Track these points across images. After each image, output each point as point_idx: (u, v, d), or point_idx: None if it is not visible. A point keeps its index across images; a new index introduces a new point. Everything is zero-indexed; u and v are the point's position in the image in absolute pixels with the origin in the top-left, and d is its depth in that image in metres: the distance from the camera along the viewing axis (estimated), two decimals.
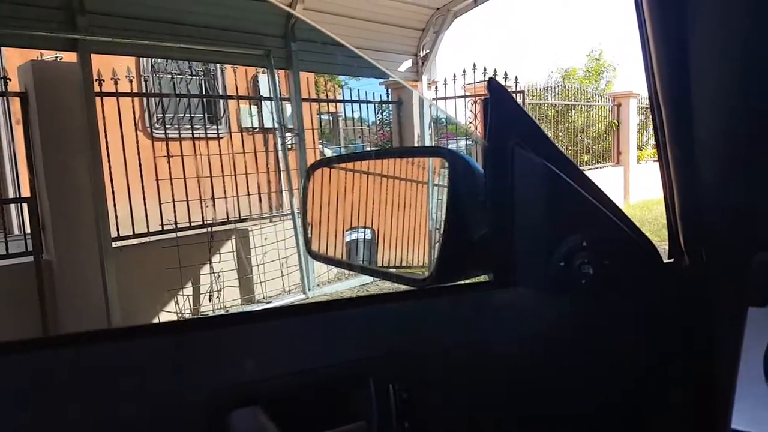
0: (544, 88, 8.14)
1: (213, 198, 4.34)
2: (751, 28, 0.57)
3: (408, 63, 5.81)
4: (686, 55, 0.61)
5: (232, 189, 4.46)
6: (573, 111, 8.38)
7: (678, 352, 0.78)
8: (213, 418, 0.54)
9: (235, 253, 4.34)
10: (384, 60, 5.60)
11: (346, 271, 4.35)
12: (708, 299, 0.76)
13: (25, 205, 3.56)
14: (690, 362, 0.77)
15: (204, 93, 5.19)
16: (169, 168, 4.11)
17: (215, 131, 4.86)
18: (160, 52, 4.32)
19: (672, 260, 0.79)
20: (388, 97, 6.02)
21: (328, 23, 4.96)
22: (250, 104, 5.20)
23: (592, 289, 0.67)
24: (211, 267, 4.18)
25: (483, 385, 0.68)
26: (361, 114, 5.71)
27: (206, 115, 4.88)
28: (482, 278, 0.72)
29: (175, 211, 4.12)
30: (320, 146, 5.66)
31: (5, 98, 3.77)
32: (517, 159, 0.66)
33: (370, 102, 5.65)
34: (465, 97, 6.68)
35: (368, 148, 5.98)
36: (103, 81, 3.79)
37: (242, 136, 4.77)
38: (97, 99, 3.70)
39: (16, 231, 4.11)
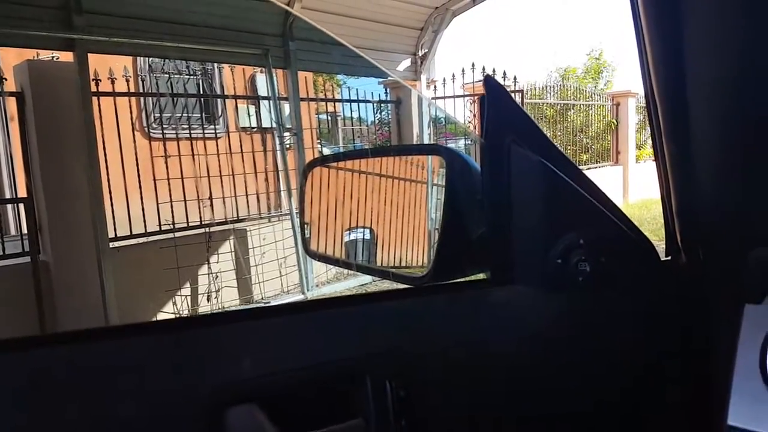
0: (543, 87, 8.15)
1: (211, 198, 4.34)
2: (746, 27, 0.58)
3: (407, 62, 5.81)
4: (682, 53, 0.61)
5: (230, 189, 4.45)
6: (572, 110, 8.39)
7: (675, 350, 0.78)
8: (210, 415, 0.54)
9: (233, 253, 4.34)
10: (383, 59, 5.60)
11: (345, 272, 4.36)
12: (705, 296, 0.76)
13: (21, 206, 3.55)
14: (687, 360, 0.78)
15: (202, 93, 5.18)
16: (167, 168, 4.10)
17: (213, 131, 4.85)
18: (157, 52, 4.31)
19: (669, 258, 0.80)
20: (386, 96, 6.02)
21: (326, 22, 4.96)
22: (247, 104, 5.20)
23: (589, 286, 0.67)
24: (209, 267, 4.18)
25: (481, 382, 0.68)
26: (359, 114, 5.70)
27: (204, 115, 4.87)
28: (479, 276, 0.71)
29: (172, 212, 4.11)
30: (319, 146, 5.66)
31: (1, 98, 3.76)
32: (513, 156, 0.66)
33: (368, 101, 5.65)
34: (464, 96, 6.68)
35: (367, 147, 5.98)
36: (100, 81, 3.78)
37: (240, 136, 4.76)
38: (94, 99, 3.69)
39: (12, 231, 4.10)
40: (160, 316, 3.92)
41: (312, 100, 5.23)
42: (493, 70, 6.33)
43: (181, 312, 4.03)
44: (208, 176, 4.34)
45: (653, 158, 0.77)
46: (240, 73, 4.90)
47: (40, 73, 3.50)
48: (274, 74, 4.63)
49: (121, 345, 0.53)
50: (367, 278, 4.23)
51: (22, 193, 3.61)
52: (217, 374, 0.55)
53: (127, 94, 4.01)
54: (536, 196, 0.67)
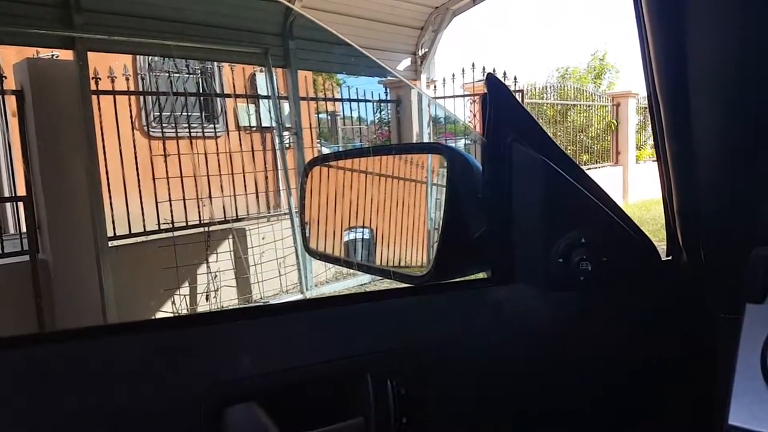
0: (543, 87, 8.15)
1: (210, 197, 4.33)
2: (748, 29, 0.58)
3: (407, 62, 5.81)
4: (684, 54, 0.61)
5: (229, 188, 4.44)
6: (572, 111, 8.39)
7: (677, 349, 0.78)
8: (209, 413, 0.54)
9: (232, 252, 4.33)
10: (383, 59, 5.60)
11: (344, 271, 4.35)
12: (706, 296, 0.76)
13: (20, 204, 3.54)
14: (689, 359, 0.77)
15: (201, 91, 5.18)
16: (166, 167, 4.10)
17: (213, 130, 4.84)
18: (157, 50, 4.31)
19: (670, 258, 0.80)
20: (386, 96, 6.01)
21: (326, 22, 4.95)
22: (247, 103, 5.19)
23: (591, 285, 0.66)
24: (208, 267, 4.17)
25: (481, 381, 0.68)
26: (359, 113, 5.70)
27: (204, 114, 4.86)
28: (480, 275, 0.71)
29: (171, 211, 4.11)
30: (318, 145, 5.65)
31: (1, 96, 3.75)
32: (515, 155, 0.66)
33: (368, 101, 5.64)
34: (464, 96, 6.68)
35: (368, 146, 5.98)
36: (100, 79, 3.77)
37: (239, 134, 4.76)
38: (94, 97, 3.69)
39: (12, 230, 4.09)
40: (159, 315, 3.91)
41: (312, 99, 5.22)
42: (493, 70, 6.32)
43: (180, 311, 4.02)
44: (208, 175, 4.33)
45: (654, 159, 0.77)
46: (240, 71, 4.90)
47: (39, 71, 3.50)
48: (273, 73, 4.62)
49: (119, 342, 0.53)
50: (367, 278, 4.23)
51: (21, 191, 3.60)
52: (215, 372, 0.54)
53: (127, 92, 4.01)
54: (538, 195, 0.67)
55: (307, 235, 0.84)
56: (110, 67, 3.90)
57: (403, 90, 6.09)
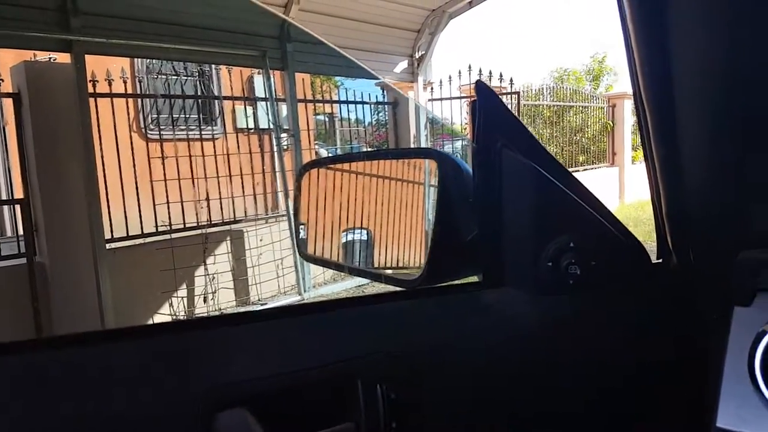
0: (539, 89, 8.18)
1: (208, 199, 4.33)
2: (731, 30, 0.58)
3: (404, 64, 5.83)
4: (668, 57, 0.61)
5: (227, 190, 4.45)
6: (569, 112, 8.42)
7: (667, 352, 0.78)
8: (201, 418, 0.54)
9: (230, 254, 4.33)
10: (380, 61, 5.61)
11: (342, 272, 4.35)
12: (696, 298, 0.77)
13: (18, 207, 3.54)
14: (680, 362, 0.78)
15: (199, 93, 5.18)
16: (164, 169, 4.10)
17: (210, 132, 4.85)
18: (155, 53, 4.31)
19: (661, 260, 0.80)
20: (384, 97, 6.02)
21: (323, 24, 4.97)
22: (245, 105, 5.20)
23: (580, 289, 0.67)
24: (206, 269, 4.17)
25: (472, 384, 0.68)
26: (357, 115, 5.71)
27: (201, 116, 4.86)
28: (472, 279, 0.72)
29: (169, 213, 4.11)
30: (316, 147, 5.66)
31: None
32: (504, 160, 0.66)
33: (365, 103, 5.65)
34: (461, 98, 6.69)
35: (364, 149, 5.99)
36: (98, 82, 3.77)
37: (237, 136, 4.76)
38: (92, 100, 3.69)
39: (9, 233, 4.09)
40: (157, 318, 3.91)
41: (309, 101, 5.23)
42: (490, 72, 6.35)
43: (178, 313, 4.02)
44: (205, 177, 4.34)
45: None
46: (237, 74, 4.90)
47: (37, 74, 3.50)
48: (271, 76, 4.63)
49: (111, 349, 0.54)
50: (364, 279, 4.24)
51: (18, 194, 3.60)
52: (206, 377, 0.55)
53: (125, 95, 4.01)
54: (527, 200, 0.67)
55: (302, 239, 0.85)
56: (108, 69, 3.90)
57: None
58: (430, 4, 5.45)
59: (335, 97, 5.73)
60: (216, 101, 5.31)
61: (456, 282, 0.72)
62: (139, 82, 4.65)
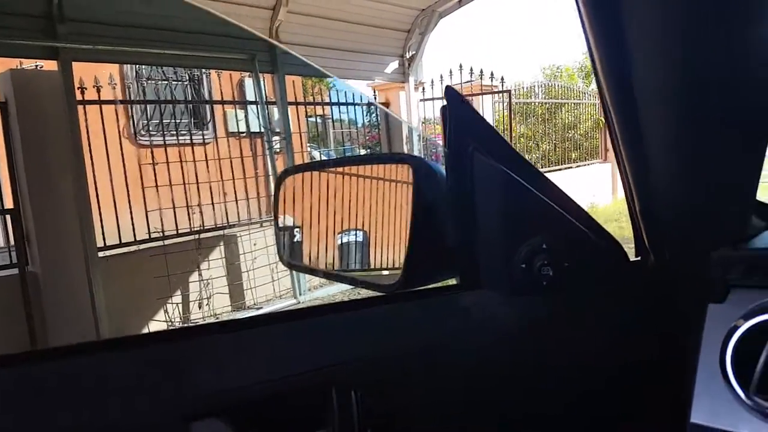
0: (530, 87, 8.20)
1: (200, 204, 4.32)
2: (688, 27, 0.57)
3: (394, 64, 5.83)
4: (628, 61, 0.61)
5: (219, 194, 4.44)
6: (562, 109, 8.45)
7: (649, 350, 0.79)
8: (176, 428, 0.54)
9: (224, 259, 4.32)
10: (370, 62, 5.61)
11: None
12: (675, 296, 0.77)
13: (8, 217, 3.52)
14: (662, 360, 0.78)
15: (190, 98, 5.17)
16: (155, 175, 4.09)
17: (201, 137, 4.84)
18: (143, 59, 4.30)
19: (639, 258, 0.80)
20: (375, 99, 6.03)
21: (313, 26, 4.96)
22: (235, 108, 5.19)
23: (554, 290, 0.67)
24: (200, 274, 4.16)
25: (454, 386, 0.68)
26: (348, 116, 5.71)
27: (193, 121, 4.85)
28: (451, 281, 0.72)
29: (161, 219, 4.10)
30: (309, 149, 5.66)
31: None
32: (476, 165, 0.66)
33: (356, 104, 5.66)
34: None
35: (357, 150, 5.99)
36: (86, 89, 3.76)
37: (228, 141, 4.75)
38: (81, 107, 3.67)
39: (1, 243, 4.06)
40: (152, 325, 3.90)
41: (299, 104, 5.23)
42: (481, 71, 6.36)
43: (172, 320, 4.01)
44: (197, 182, 4.33)
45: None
46: (227, 78, 4.90)
47: (24, 82, 3.48)
48: (261, 79, 4.63)
49: (90, 361, 0.54)
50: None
51: (9, 204, 3.58)
52: (181, 387, 0.55)
53: (113, 101, 3.99)
54: (498, 203, 0.68)
55: (281, 245, 0.85)
56: (95, 76, 3.89)
57: (392, 93, 6.11)
58: (419, 4, 5.46)
59: (326, 99, 5.73)
60: (207, 105, 5.30)
61: (435, 285, 0.72)
62: (128, 87, 4.63)
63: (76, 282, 3.49)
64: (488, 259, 0.68)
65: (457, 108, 0.66)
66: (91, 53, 3.66)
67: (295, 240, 0.84)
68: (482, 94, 6.73)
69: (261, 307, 4.36)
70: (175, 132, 4.37)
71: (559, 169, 7.89)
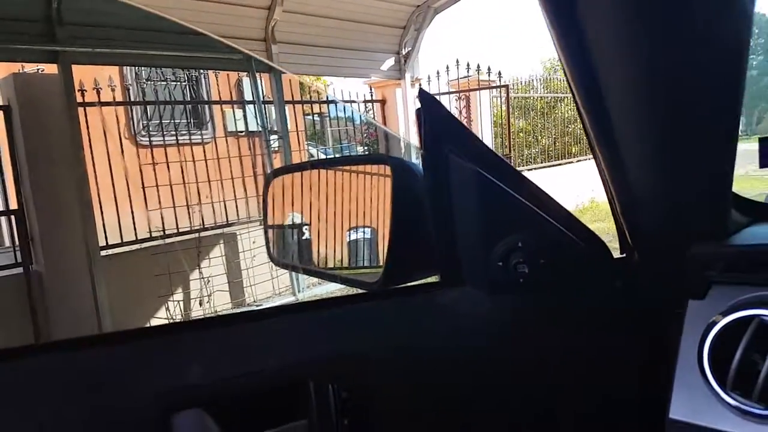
0: (528, 81, 8.16)
1: (200, 203, 4.36)
2: (653, 26, 0.55)
3: (391, 61, 5.84)
4: (592, 61, 0.59)
5: (219, 194, 4.47)
6: (561, 103, 8.40)
7: (629, 346, 0.78)
8: (158, 420, 0.55)
9: (224, 257, 4.37)
10: (366, 59, 5.62)
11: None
12: (659, 293, 0.76)
13: (13, 217, 3.57)
14: (646, 356, 0.78)
15: (188, 99, 5.20)
16: (155, 174, 4.13)
17: (200, 137, 4.87)
18: (141, 61, 4.33)
19: (624, 255, 0.80)
20: (371, 96, 6.04)
21: (308, 25, 4.98)
22: (233, 108, 5.22)
23: (531, 287, 0.68)
24: (201, 272, 4.21)
25: (430, 383, 0.69)
26: (346, 114, 5.73)
27: (192, 121, 4.89)
28: (433, 279, 0.73)
29: (162, 218, 4.14)
30: (307, 147, 5.68)
31: None
32: (451, 165, 0.68)
33: (353, 102, 5.67)
34: (449, 93, 6.71)
35: (356, 147, 6.01)
36: (86, 91, 3.80)
37: (227, 140, 4.79)
38: (82, 109, 3.71)
39: (6, 243, 4.12)
40: (153, 322, 3.95)
41: (296, 102, 5.25)
42: (478, 66, 6.36)
43: (174, 317, 4.06)
44: (197, 182, 4.37)
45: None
46: (225, 77, 4.92)
47: (25, 85, 3.52)
48: (258, 78, 4.65)
49: (72, 356, 0.54)
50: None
51: (13, 205, 3.63)
52: (163, 380, 0.56)
53: (113, 103, 4.03)
54: (474, 203, 0.68)
55: (270, 243, 0.89)
56: (95, 78, 3.93)
57: (388, 90, 6.12)
58: (414, 0, 5.46)
59: (324, 98, 5.74)
60: (206, 106, 5.33)
61: (416, 282, 0.73)
62: (128, 89, 4.66)
63: (79, 280, 3.54)
64: (468, 256, 0.69)
65: (431, 111, 0.67)
66: (91, 56, 3.70)
67: (280, 238, 0.87)
68: (479, 89, 6.73)
69: (260, 305, 4.41)
70: (174, 132, 4.41)
71: (559, 164, 7.85)
